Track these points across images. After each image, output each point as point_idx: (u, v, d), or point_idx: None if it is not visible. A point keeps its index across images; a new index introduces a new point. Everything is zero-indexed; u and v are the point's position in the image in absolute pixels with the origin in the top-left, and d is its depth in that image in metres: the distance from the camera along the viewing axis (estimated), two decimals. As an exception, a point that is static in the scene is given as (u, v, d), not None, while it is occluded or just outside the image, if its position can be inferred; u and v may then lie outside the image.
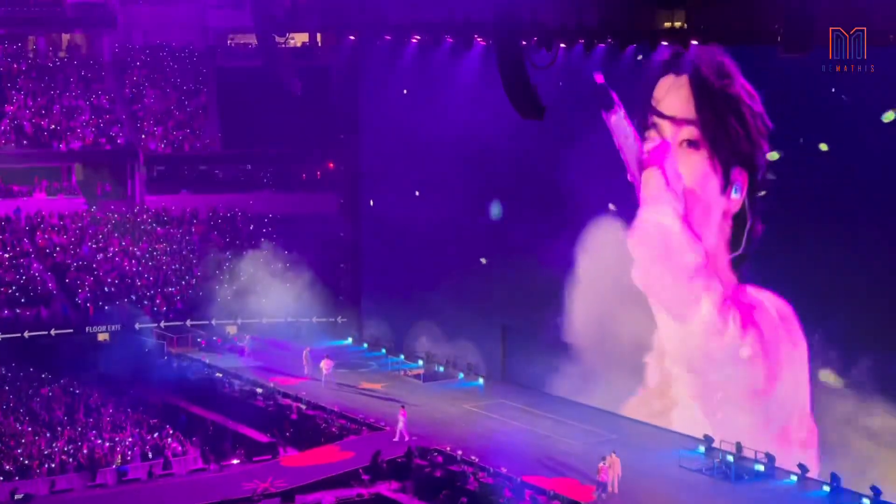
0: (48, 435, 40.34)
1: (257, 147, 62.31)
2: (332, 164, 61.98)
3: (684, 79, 39.52)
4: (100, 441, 39.73)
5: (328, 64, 58.83)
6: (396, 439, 39.84)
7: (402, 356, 50.60)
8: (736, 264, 38.72)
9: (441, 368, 48.70)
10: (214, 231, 59.81)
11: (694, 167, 39.54)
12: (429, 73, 48.74)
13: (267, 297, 53.57)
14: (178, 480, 38.00)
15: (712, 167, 38.96)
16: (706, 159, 39.08)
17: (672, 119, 40.10)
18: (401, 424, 40.16)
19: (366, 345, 52.93)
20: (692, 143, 39.57)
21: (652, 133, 40.73)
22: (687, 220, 39.81)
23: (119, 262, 56.47)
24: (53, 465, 37.77)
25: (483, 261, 48.43)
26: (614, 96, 41.57)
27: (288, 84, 51.04)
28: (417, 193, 50.71)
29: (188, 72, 64.88)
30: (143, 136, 61.61)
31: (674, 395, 40.81)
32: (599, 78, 41.75)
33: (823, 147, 35.52)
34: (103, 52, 65.23)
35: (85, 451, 38.71)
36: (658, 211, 40.68)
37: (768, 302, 37.66)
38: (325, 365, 46.86)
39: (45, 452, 38.61)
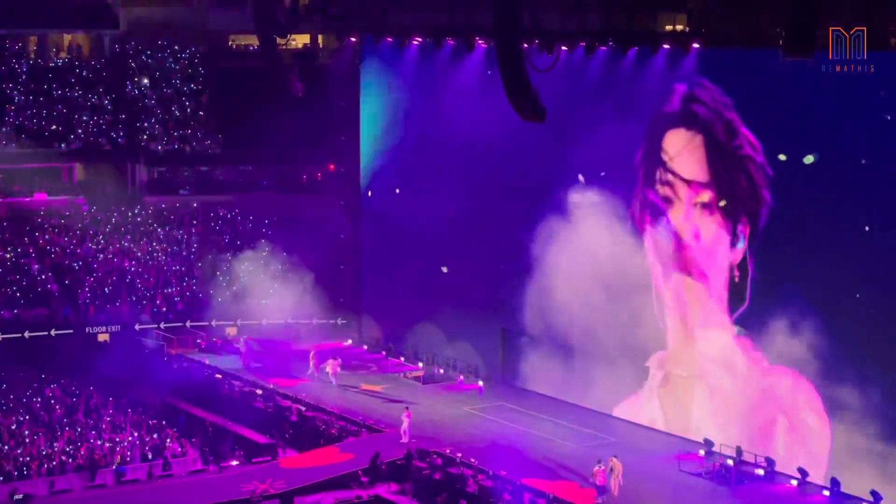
0: (48, 435, 40.33)
1: (258, 148, 62.24)
2: (332, 166, 61.91)
3: (699, 140, 39.46)
4: (99, 442, 39.75)
5: (329, 65, 58.79)
6: (404, 440, 39.82)
7: (403, 358, 50.58)
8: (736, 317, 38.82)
9: (441, 370, 48.67)
10: (214, 232, 59.78)
11: (709, 230, 39.60)
12: (430, 75, 48.77)
13: (267, 299, 53.57)
14: (177, 481, 38.01)
15: (725, 227, 39.11)
16: (720, 220, 39.20)
17: (687, 182, 40.08)
18: (405, 425, 40.15)
19: (366, 346, 52.91)
20: (706, 206, 39.60)
21: (665, 190, 40.66)
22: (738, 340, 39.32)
23: (119, 263, 56.47)
24: (53, 466, 37.77)
25: (444, 269, 48.84)
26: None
27: (289, 85, 51.07)
28: (398, 191, 50.89)
29: (189, 73, 64.80)
30: (144, 137, 61.59)
31: (675, 398, 40.76)
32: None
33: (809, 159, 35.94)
34: (105, 52, 65.22)
35: (84, 452, 38.71)
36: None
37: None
38: (331, 365, 46.84)
39: (45, 453, 38.61)
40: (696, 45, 37.83)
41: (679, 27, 39.03)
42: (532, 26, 39.59)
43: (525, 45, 38.61)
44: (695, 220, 39.85)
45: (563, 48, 40.15)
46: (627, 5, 39.76)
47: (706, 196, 39.48)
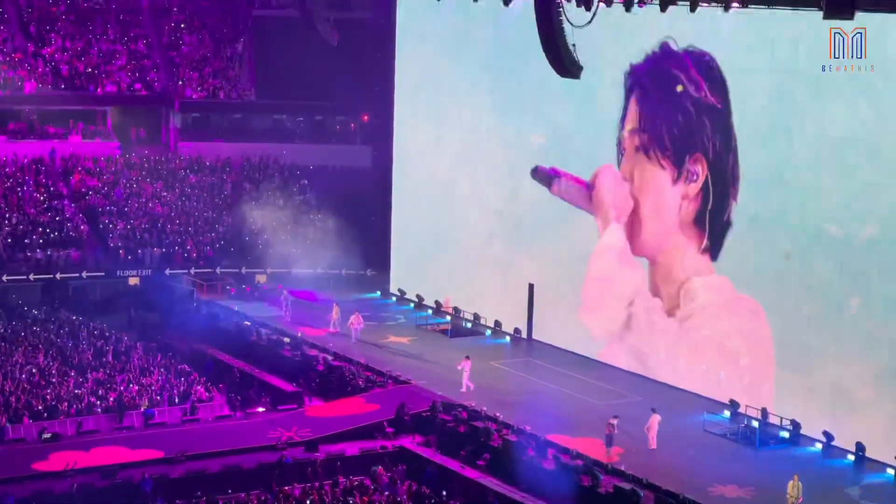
0: (77, 376, 40.61)
1: (292, 97, 62.25)
2: (366, 117, 61.92)
3: (637, 92, 42.23)
4: (128, 384, 40.03)
5: (365, 15, 58.67)
6: (469, 387, 40.21)
7: (430, 311, 50.66)
8: (706, 248, 40.34)
9: (468, 324, 48.75)
10: (247, 180, 59.90)
11: (644, 170, 41.77)
12: (466, 28, 48.56)
13: (297, 248, 53.68)
14: (203, 426, 38.29)
15: (660, 164, 41.10)
16: (655, 158, 41.22)
17: (629, 130, 42.47)
18: (465, 374, 40.46)
19: (394, 298, 53.02)
20: (640, 148, 41.87)
21: (622, 142, 42.88)
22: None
23: (151, 208, 56.71)
24: (81, 407, 38.07)
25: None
26: (552, 171, 45.08)
27: (325, 34, 50.91)
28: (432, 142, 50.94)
29: (226, 19, 64.76)
30: (179, 83, 61.66)
31: (700, 358, 40.69)
32: (552, 170, 45.27)
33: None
34: (142, -4, 65.27)
35: (113, 394, 39.01)
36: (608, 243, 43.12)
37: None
38: (353, 319, 46.74)
39: (74, 394, 38.91)
40: (735, 5, 37.30)
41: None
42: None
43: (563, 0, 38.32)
44: (633, 164, 42.13)
45: (601, 3, 39.75)
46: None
47: (640, 139, 41.87)
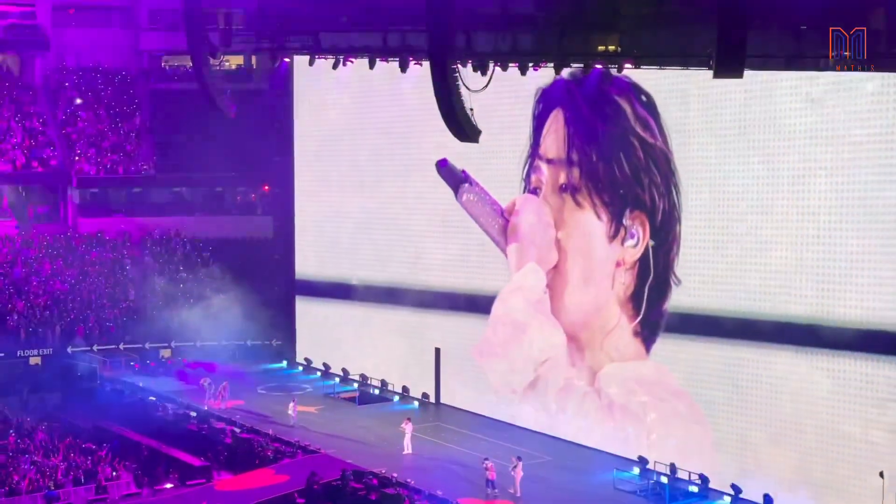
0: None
1: (191, 170, 62.01)
2: (266, 187, 61.83)
3: (559, 113, 39.36)
4: (31, 466, 39.23)
5: (263, 86, 58.73)
6: (405, 452, 40.62)
7: (337, 379, 50.44)
8: (641, 330, 38.60)
9: (376, 391, 48.61)
10: (148, 254, 59.36)
11: (572, 215, 39.23)
12: (365, 95, 48.83)
13: (201, 320, 53.20)
14: (110, 505, 37.68)
15: (595, 213, 38.50)
16: (588, 205, 38.69)
17: (549, 161, 40.00)
18: (407, 436, 40.81)
19: (300, 367, 52.74)
20: (567, 188, 39.07)
21: (533, 178, 40.73)
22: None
23: (51, 286, 55.89)
24: (-17, 492, 37.26)
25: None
26: (464, 174, 42.51)
27: (222, 107, 50.90)
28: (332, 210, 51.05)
29: (122, 94, 64.46)
30: (77, 159, 61.11)
31: (608, 416, 40.91)
32: (443, 163, 42.66)
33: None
34: (35, 74, 64.68)
35: (16, 477, 38.20)
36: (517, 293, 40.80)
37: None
38: (291, 407, 45.81)
39: (-25, 478, 38.07)
40: (628, 66, 37.91)
41: (612, 48, 39.12)
42: (466, 47, 39.76)
43: (458, 66, 38.72)
44: (559, 208, 39.31)
45: (497, 67, 40.25)
46: (560, 27, 39.90)
47: (568, 175, 38.73)
